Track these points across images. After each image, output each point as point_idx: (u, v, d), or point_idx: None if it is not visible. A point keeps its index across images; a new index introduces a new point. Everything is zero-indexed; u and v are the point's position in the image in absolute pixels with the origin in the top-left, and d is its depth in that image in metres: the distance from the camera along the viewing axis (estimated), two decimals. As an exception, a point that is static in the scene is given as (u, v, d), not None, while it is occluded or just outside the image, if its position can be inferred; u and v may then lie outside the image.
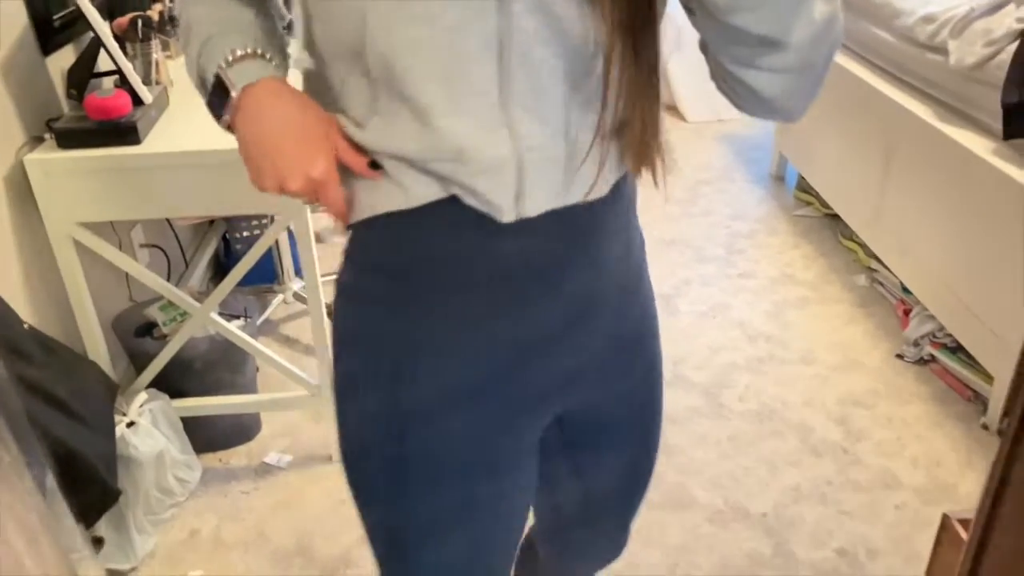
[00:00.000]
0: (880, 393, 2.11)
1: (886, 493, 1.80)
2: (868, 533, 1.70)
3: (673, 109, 4.07)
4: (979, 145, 1.89)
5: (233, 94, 0.69)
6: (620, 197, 0.78)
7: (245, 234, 2.55)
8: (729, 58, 0.68)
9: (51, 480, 0.83)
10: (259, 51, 0.71)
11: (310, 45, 0.71)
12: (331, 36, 0.67)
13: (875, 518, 1.74)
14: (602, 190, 0.74)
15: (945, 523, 1.17)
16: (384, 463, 0.79)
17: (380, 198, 0.71)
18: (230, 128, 0.72)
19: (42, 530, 0.47)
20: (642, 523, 1.74)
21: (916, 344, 2.23)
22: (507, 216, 0.69)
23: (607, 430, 0.92)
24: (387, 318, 0.75)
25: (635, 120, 0.69)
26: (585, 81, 0.67)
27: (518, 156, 0.67)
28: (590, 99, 0.68)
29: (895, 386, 2.13)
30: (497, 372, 0.77)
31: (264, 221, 2.48)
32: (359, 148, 0.70)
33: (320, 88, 0.72)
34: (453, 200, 0.69)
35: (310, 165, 0.68)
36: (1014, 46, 1.79)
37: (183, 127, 1.68)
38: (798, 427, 2.00)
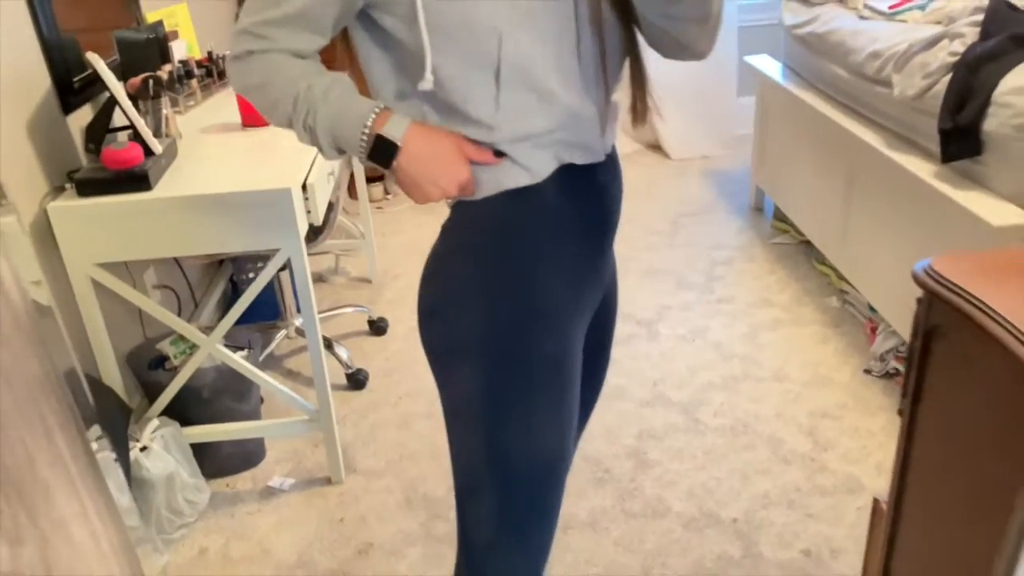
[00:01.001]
0: (848, 406, 2.23)
1: (850, 498, 1.91)
2: (832, 534, 1.82)
3: (658, 148, 4.25)
4: (923, 169, 2.04)
5: (399, 145, 0.92)
6: (613, 156, 1.08)
7: (251, 275, 2.71)
8: (663, 26, 0.96)
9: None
10: (386, 107, 0.94)
11: (432, 71, 0.91)
12: (459, 60, 0.90)
13: (838, 520, 1.85)
14: (605, 150, 1.03)
15: (875, 507, 1.29)
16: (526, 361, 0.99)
17: (505, 178, 0.96)
18: (390, 169, 0.94)
19: (113, 528, 0.58)
20: (620, 531, 1.86)
21: (882, 359, 2.35)
22: (600, 156, 1.00)
23: (605, 328, 1.21)
24: (506, 259, 0.98)
25: (635, 83, 1.03)
26: (609, 60, 0.98)
27: (598, 112, 0.98)
28: (610, 72, 0.99)
29: (862, 399, 2.25)
30: (589, 282, 1.05)
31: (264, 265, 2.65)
32: (487, 144, 0.95)
33: (441, 106, 0.94)
34: (560, 168, 0.97)
35: (460, 175, 0.94)
36: (948, 77, 1.95)
37: (190, 174, 1.85)
38: (769, 439, 2.12)
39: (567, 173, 0.98)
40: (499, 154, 0.95)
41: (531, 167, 0.95)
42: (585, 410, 1.27)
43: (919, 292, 1.00)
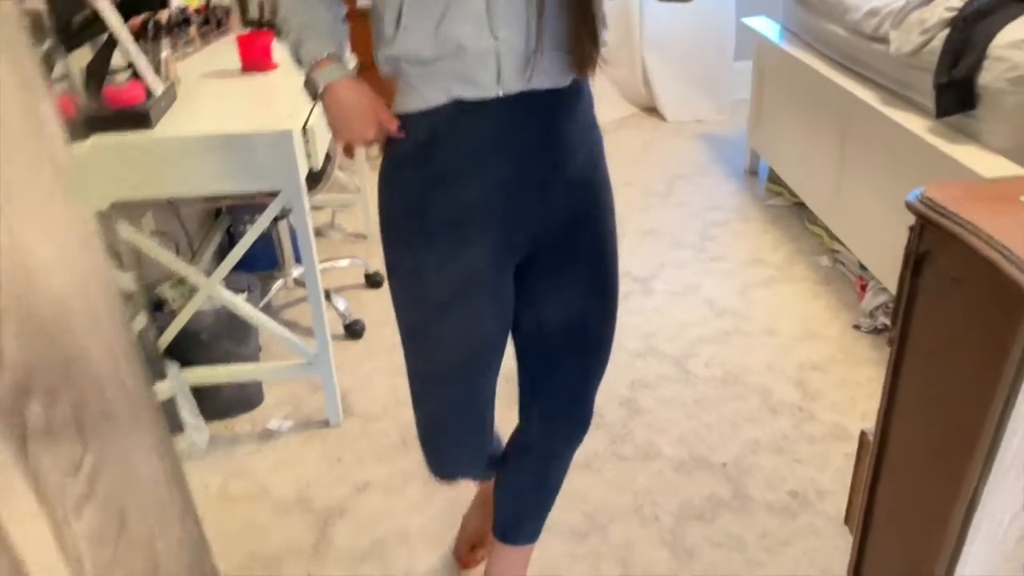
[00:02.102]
0: (836, 359, 2.27)
1: (836, 444, 1.96)
2: (818, 478, 1.86)
3: (655, 111, 4.26)
4: (917, 125, 2.06)
5: (320, 90, 1.11)
6: (578, 93, 1.12)
7: (248, 227, 2.72)
8: None
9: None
10: (334, 54, 1.10)
11: None
12: None
13: (825, 465, 1.90)
14: (559, 83, 1.08)
15: (862, 439, 1.33)
16: (409, 271, 1.17)
17: (406, 103, 1.09)
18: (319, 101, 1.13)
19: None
20: (612, 472, 1.91)
21: (871, 315, 2.39)
22: (492, 92, 1.04)
23: (560, 272, 1.22)
24: (416, 172, 1.11)
25: (576, 33, 1.04)
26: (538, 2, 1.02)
27: (496, 50, 1.02)
28: (542, 13, 1.02)
29: (851, 352, 2.29)
30: (488, 208, 1.11)
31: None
32: (392, 57, 1.06)
33: (374, 19, 1.08)
34: (458, 101, 1.05)
35: (367, 132, 1.12)
36: (945, 33, 1.97)
37: (191, 116, 1.86)
38: (759, 390, 2.17)
39: (461, 106, 1.06)
40: (400, 128, 1.11)
41: (425, 94, 1.07)
42: (580, 362, 1.30)
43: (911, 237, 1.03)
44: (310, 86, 1.12)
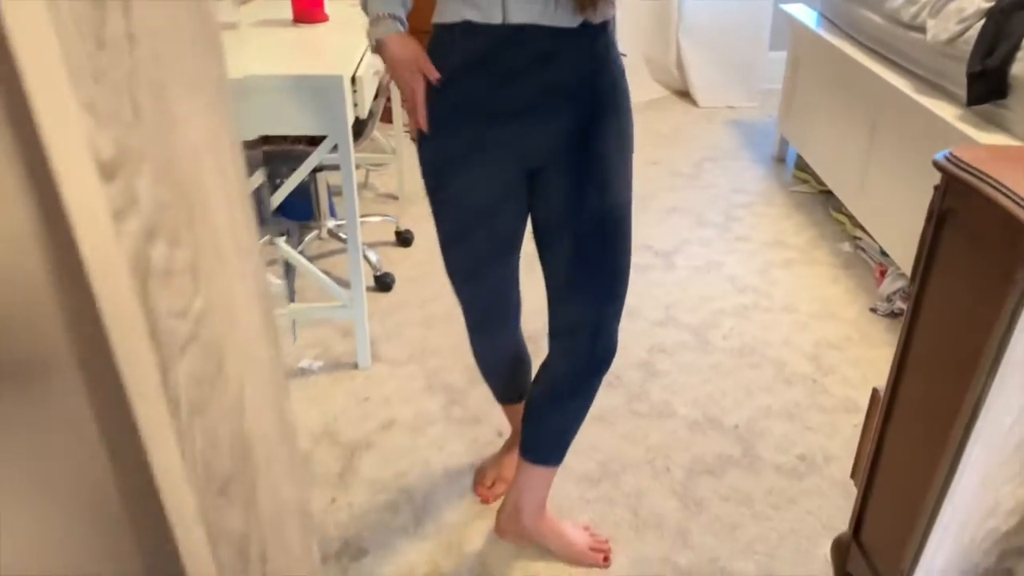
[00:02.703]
0: (852, 339, 2.33)
1: (847, 416, 2.03)
2: (827, 444, 1.93)
3: (687, 95, 4.30)
4: (948, 112, 2.11)
5: (373, 43, 1.30)
6: (589, 35, 1.24)
7: (285, 179, 2.80)
8: None
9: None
10: (393, 13, 1.28)
11: None
12: None
13: (835, 433, 1.97)
14: (566, 23, 1.21)
15: (874, 396, 1.40)
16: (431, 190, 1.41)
17: (436, 15, 1.27)
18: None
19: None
20: (627, 427, 1.98)
21: (888, 300, 2.45)
22: (496, 20, 1.20)
23: (561, 188, 1.35)
24: (441, 68, 1.27)
25: None
26: None
27: None
28: None
29: (867, 334, 2.35)
30: (497, 124, 1.28)
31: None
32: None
33: None
34: (465, 22, 1.22)
35: (412, 79, 1.29)
36: (981, 23, 2.01)
37: (245, 59, 1.94)
38: (774, 361, 2.23)
39: (471, 26, 1.22)
40: (440, 81, 1.28)
41: (445, 12, 1.25)
42: (590, 287, 1.40)
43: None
44: (369, 37, 1.30)
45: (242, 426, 0.75)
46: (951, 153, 1.07)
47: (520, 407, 1.67)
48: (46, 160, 0.58)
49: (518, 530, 1.62)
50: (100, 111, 0.56)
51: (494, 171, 1.33)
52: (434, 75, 1.27)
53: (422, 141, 1.35)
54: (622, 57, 1.36)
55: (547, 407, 1.53)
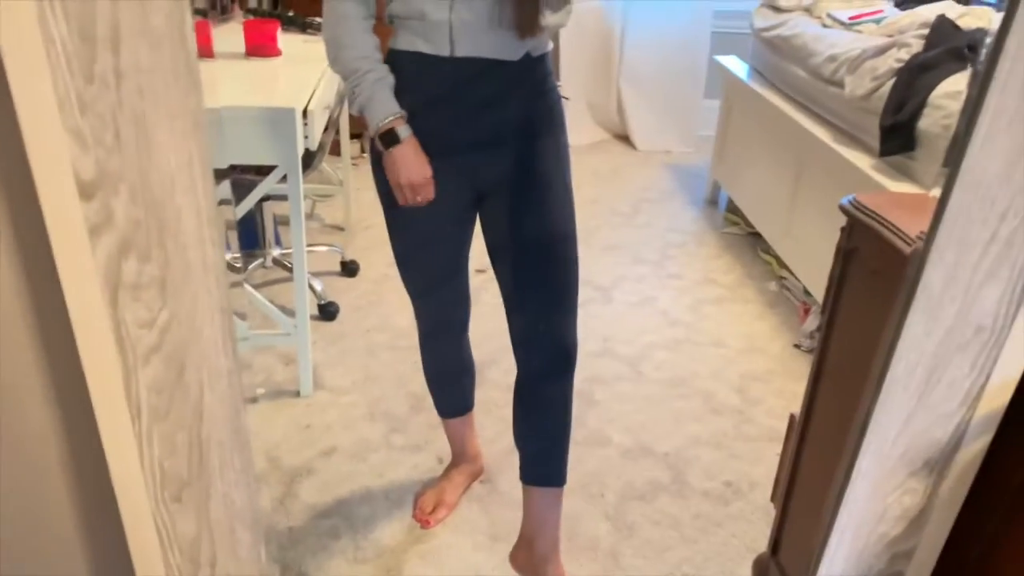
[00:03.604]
0: (776, 372, 2.46)
1: (771, 444, 2.13)
2: (751, 471, 2.03)
3: (626, 139, 4.47)
4: (864, 162, 2.27)
5: (401, 139, 1.36)
6: (529, 67, 1.36)
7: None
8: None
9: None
10: (403, 113, 1.35)
11: None
12: None
13: (759, 461, 2.07)
14: (510, 56, 1.33)
15: (791, 421, 1.50)
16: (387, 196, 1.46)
17: (392, 41, 1.36)
18: (386, 150, 1.38)
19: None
20: (564, 454, 2.05)
21: (811, 336, 2.59)
22: (444, 52, 1.31)
23: (509, 209, 1.46)
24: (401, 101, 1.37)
25: (520, 11, 1.28)
26: None
27: (451, 22, 1.28)
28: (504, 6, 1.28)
29: (790, 368, 2.48)
30: (441, 143, 1.38)
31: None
32: (388, 12, 1.35)
33: None
34: (417, 52, 1.33)
35: (422, 181, 1.38)
36: (892, 81, 2.19)
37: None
38: (703, 393, 2.34)
39: (422, 57, 1.32)
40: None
41: (399, 40, 1.35)
42: (542, 295, 1.49)
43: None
44: (386, 138, 1.36)
45: (200, 434, 0.80)
46: (854, 199, 1.18)
47: (463, 423, 1.81)
48: (30, 177, 0.64)
49: (530, 560, 1.65)
50: (85, 138, 0.62)
51: (447, 197, 1.43)
52: (430, 197, 1.41)
53: (377, 162, 1.44)
54: (564, 100, 1.49)
55: (528, 430, 1.59)
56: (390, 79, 1.35)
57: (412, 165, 1.36)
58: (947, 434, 0.83)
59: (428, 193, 1.40)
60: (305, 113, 2.01)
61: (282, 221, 3.03)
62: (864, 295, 1.20)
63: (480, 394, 1.84)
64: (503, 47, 1.32)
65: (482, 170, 1.42)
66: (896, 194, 1.21)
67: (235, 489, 0.84)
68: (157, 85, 0.62)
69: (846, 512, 0.87)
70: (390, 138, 1.35)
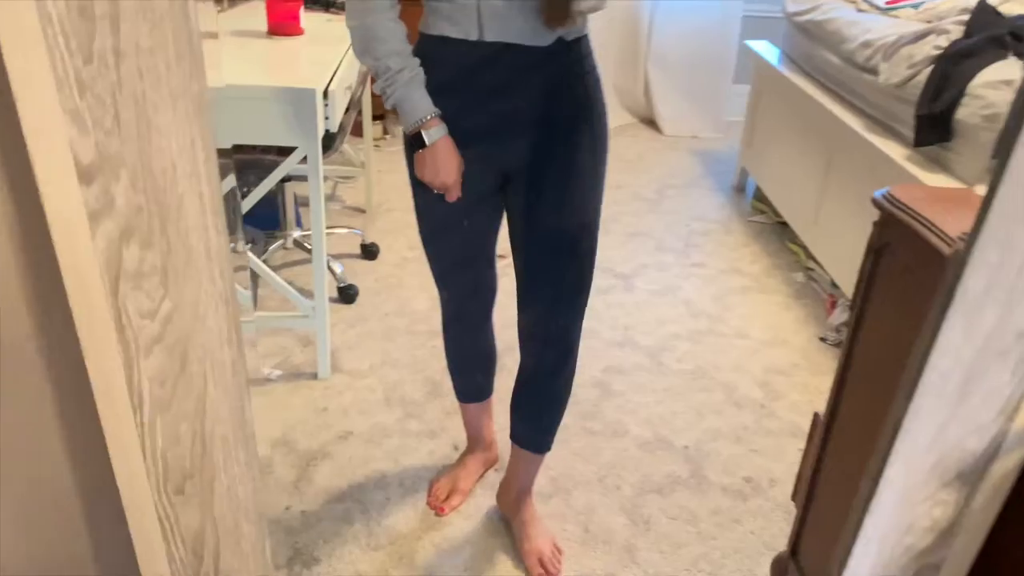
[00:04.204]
0: (801, 366, 2.41)
1: (792, 440, 2.09)
2: (772, 467, 1.99)
3: (653, 123, 4.40)
4: (897, 152, 2.21)
5: (428, 143, 1.32)
6: (563, 52, 1.31)
7: (253, 188, 2.81)
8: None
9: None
10: (438, 115, 1.31)
11: None
12: None
13: (780, 457, 2.03)
14: (539, 41, 1.27)
15: (815, 420, 1.46)
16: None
17: (422, 24, 1.32)
18: (415, 152, 1.36)
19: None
20: (579, 445, 2.02)
21: (837, 330, 2.53)
22: (473, 36, 1.26)
23: (530, 197, 1.42)
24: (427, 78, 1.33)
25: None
26: None
27: (479, 5, 1.24)
28: None
29: (815, 361, 2.43)
30: (475, 140, 1.34)
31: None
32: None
33: None
34: (443, 36, 1.29)
35: (451, 182, 1.36)
36: (930, 69, 2.12)
37: (214, 68, 1.96)
38: (725, 385, 2.30)
39: (448, 41, 1.28)
40: (462, 144, 1.35)
41: (427, 23, 1.31)
42: (552, 287, 1.47)
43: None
44: (418, 141, 1.33)
45: (203, 426, 0.78)
46: (888, 192, 1.13)
47: (480, 409, 1.81)
48: (28, 161, 0.61)
49: (506, 502, 1.77)
50: (84, 119, 0.59)
51: (472, 178, 1.39)
52: (456, 196, 1.38)
53: (410, 145, 1.41)
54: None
55: (523, 401, 1.66)
56: (422, 75, 1.31)
57: (443, 165, 1.33)
58: (983, 445, 0.79)
59: (457, 191, 1.37)
60: (326, 94, 1.98)
61: (303, 202, 3.02)
62: (896, 293, 1.15)
63: (498, 381, 1.82)
64: (532, 32, 1.27)
65: (500, 158, 1.39)
66: (934, 188, 1.16)
67: (239, 483, 0.82)
68: (158, 66, 0.59)
69: (871, 522, 0.83)
70: (420, 141, 1.33)
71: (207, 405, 0.75)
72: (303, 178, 2.07)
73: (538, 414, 1.66)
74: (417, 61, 1.31)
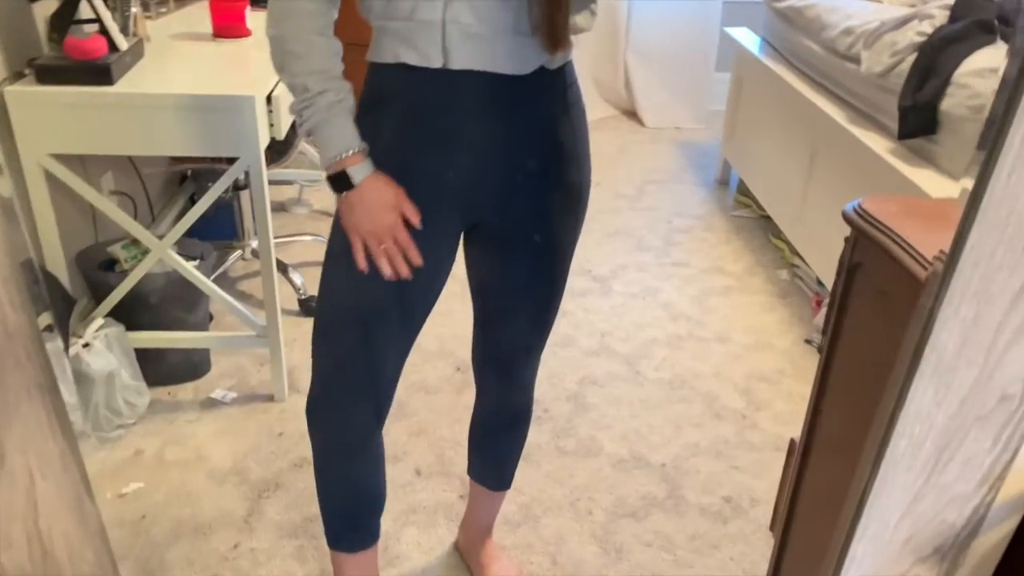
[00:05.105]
0: (786, 372, 2.30)
1: (776, 454, 1.98)
2: (753, 485, 1.88)
3: (634, 115, 4.27)
4: (880, 146, 2.09)
5: (355, 185, 1.06)
6: (546, 84, 1.10)
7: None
8: None
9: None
10: (362, 150, 1.07)
11: None
12: None
13: (763, 474, 1.92)
14: (520, 69, 1.05)
15: (791, 446, 1.34)
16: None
17: (369, 51, 1.10)
18: (338, 195, 1.10)
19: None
20: (552, 466, 1.91)
21: (824, 334, 2.42)
22: (435, 63, 1.03)
23: (496, 254, 1.23)
24: (369, 119, 1.10)
25: (547, 19, 1.01)
26: None
27: (444, 23, 1.01)
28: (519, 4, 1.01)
29: (800, 367, 2.32)
30: (423, 179, 1.10)
31: (227, 192, 2.63)
32: (362, 5, 1.07)
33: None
34: (401, 64, 1.05)
35: (391, 223, 1.07)
36: (913, 56, 1.99)
37: (155, 75, 1.84)
38: (705, 395, 2.18)
39: (406, 70, 1.05)
40: (419, 206, 1.09)
41: (379, 49, 1.08)
42: (511, 346, 1.34)
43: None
44: (339, 181, 1.07)
45: (37, 525, 0.66)
46: (860, 205, 1.02)
47: (370, 557, 1.41)
48: None
49: (465, 541, 1.66)
50: None
51: (428, 227, 1.13)
52: (416, 218, 1.09)
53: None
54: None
55: (481, 449, 1.54)
56: (349, 102, 1.07)
57: (376, 207, 1.06)
58: (963, 518, 0.68)
59: (402, 239, 1.08)
60: (270, 99, 1.85)
61: (274, 207, 2.89)
62: (870, 317, 1.04)
63: (468, 396, 1.70)
64: (509, 58, 1.04)
65: (466, 211, 1.16)
66: (910, 200, 1.04)
67: (94, 584, 0.70)
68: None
69: (839, 602, 0.72)
70: (342, 181, 1.07)
71: (38, 502, 0.64)
72: (277, 183, 1.95)
73: (503, 454, 1.53)
74: (347, 86, 1.07)
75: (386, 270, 1.10)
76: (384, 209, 1.07)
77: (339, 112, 1.06)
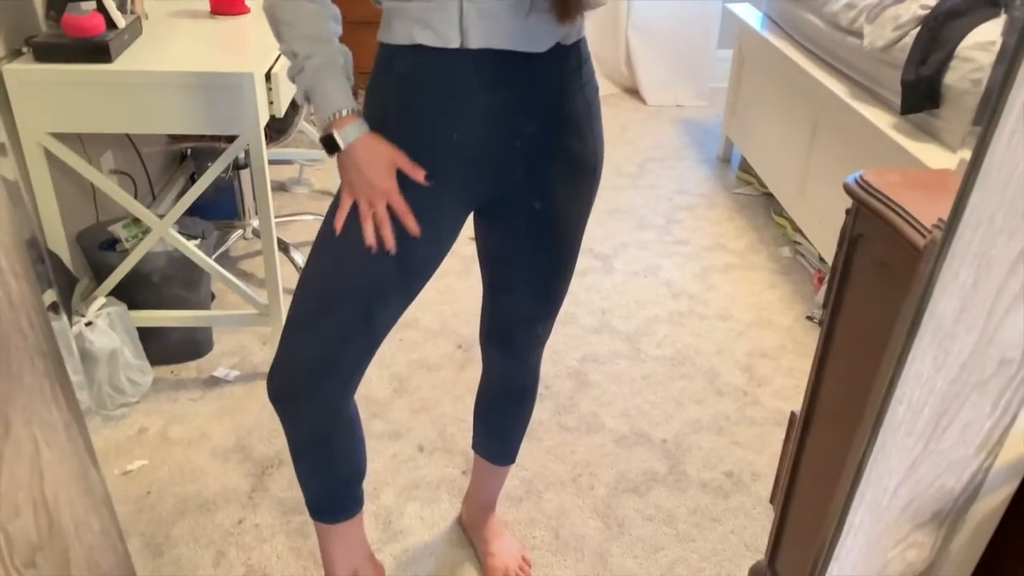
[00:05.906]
0: (787, 348, 2.30)
1: (777, 429, 1.99)
2: (754, 460, 1.89)
3: (636, 93, 4.25)
4: (883, 120, 2.08)
5: (342, 148, 1.06)
6: (560, 59, 1.09)
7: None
8: None
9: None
10: (354, 111, 1.06)
11: None
12: None
13: (763, 448, 1.93)
14: (536, 47, 1.05)
15: (792, 418, 1.35)
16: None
17: (381, 32, 1.08)
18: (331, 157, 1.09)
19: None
20: (553, 441, 1.92)
21: (825, 307, 2.42)
22: (453, 43, 1.02)
23: (510, 215, 1.21)
24: (384, 99, 1.10)
25: None
26: None
27: (461, 2, 1.00)
28: None
29: (801, 343, 2.32)
30: (439, 158, 1.09)
31: (227, 172, 2.62)
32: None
33: None
34: (416, 46, 1.04)
35: (386, 186, 1.06)
36: (916, 30, 1.98)
37: (153, 52, 1.83)
38: (707, 372, 2.19)
39: (422, 52, 1.04)
40: (427, 178, 1.08)
41: (391, 30, 1.06)
42: (523, 319, 1.34)
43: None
44: (330, 143, 1.07)
45: (43, 493, 0.67)
46: (861, 177, 1.02)
47: (355, 524, 1.39)
48: None
49: (468, 515, 1.66)
50: None
51: (436, 209, 1.13)
52: (419, 174, 1.07)
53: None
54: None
55: (486, 420, 1.54)
56: (339, 62, 1.06)
57: (369, 169, 1.05)
58: (961, 483, 0.68)
59: (398, 206, 1.07)
60: (269, 76, 1.85)
61: (276, 187, 2.89)
62: (872, 288, 1.04)
63: (470, 372, 1.70)
64: (526, 35, 1.03)
65: (478, 191, 1.16)
66: (912, 172, 1.04)
67: (99, 553, 0.71)
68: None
69: (837, 567, 0.72)
70: (333, 143, 1.06)
71: (44, 471, 0.64)
72: (277, 162, 1.94)
73: (508, 428, 1.54)
74: (338, 48, 1.07)
75: (369, 236, 1.07)
76: (377, 168, 1.06)
77: (328, 75, 1.06)
